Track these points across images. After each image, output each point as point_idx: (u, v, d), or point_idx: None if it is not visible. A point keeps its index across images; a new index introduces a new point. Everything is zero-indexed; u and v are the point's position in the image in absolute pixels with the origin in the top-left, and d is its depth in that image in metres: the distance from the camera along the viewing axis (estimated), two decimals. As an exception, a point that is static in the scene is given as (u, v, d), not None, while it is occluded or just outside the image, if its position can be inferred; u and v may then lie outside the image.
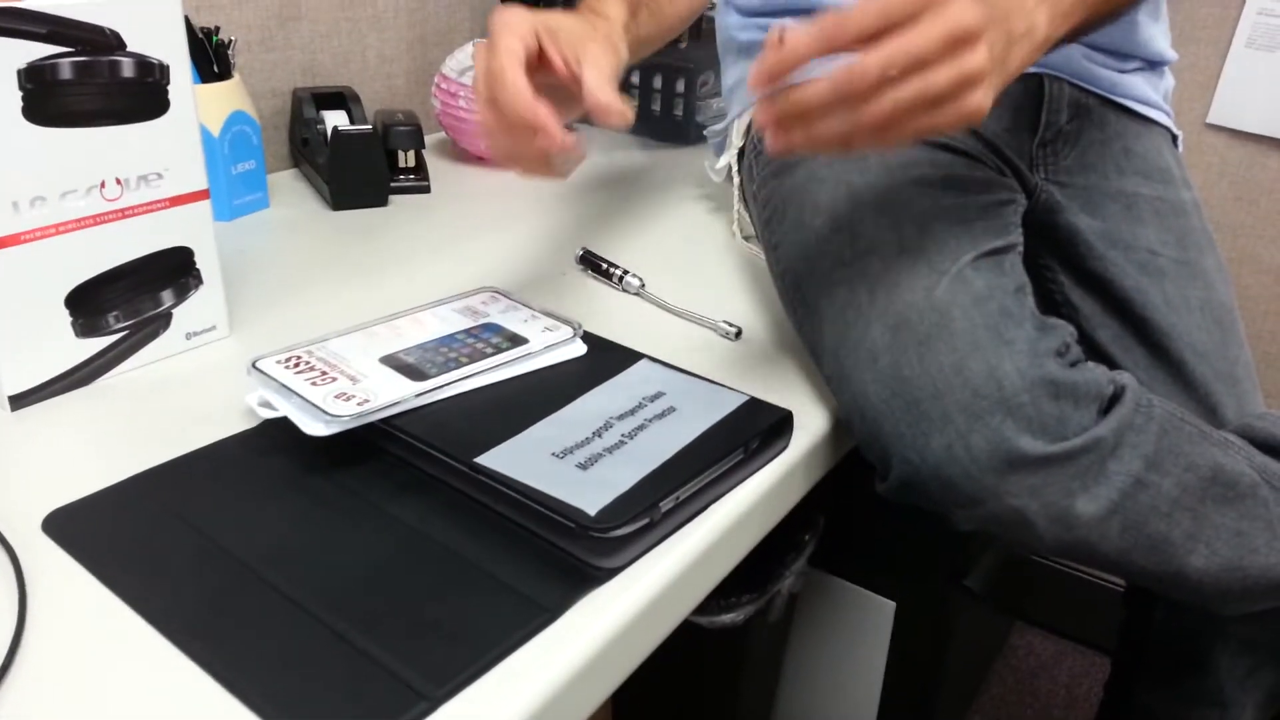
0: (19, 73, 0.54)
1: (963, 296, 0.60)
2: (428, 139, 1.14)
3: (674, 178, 1.09)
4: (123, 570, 0.47)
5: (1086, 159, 0.84)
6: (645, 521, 0.50)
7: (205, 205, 0.65)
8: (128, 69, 0.59)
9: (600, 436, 0.55)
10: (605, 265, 0.82)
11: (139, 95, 0.60)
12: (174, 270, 0.65)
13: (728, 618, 0.98)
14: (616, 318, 0.76)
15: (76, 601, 0.46)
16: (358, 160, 0.93)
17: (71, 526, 0.50)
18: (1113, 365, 0.79)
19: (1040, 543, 0.59)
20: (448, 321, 0.65)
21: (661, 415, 0.57)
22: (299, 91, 1.02)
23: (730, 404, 0.59)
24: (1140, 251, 0.81)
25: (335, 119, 0.96)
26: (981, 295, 0.60)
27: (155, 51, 0.60)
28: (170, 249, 0.64)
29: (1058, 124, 0.83)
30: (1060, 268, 0.83)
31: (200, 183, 0.65)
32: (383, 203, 0.96)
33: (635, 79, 1.22)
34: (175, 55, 0.61)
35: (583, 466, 0.52)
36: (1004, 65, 0.53)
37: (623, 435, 0.55)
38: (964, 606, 1.09)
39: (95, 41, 0.57)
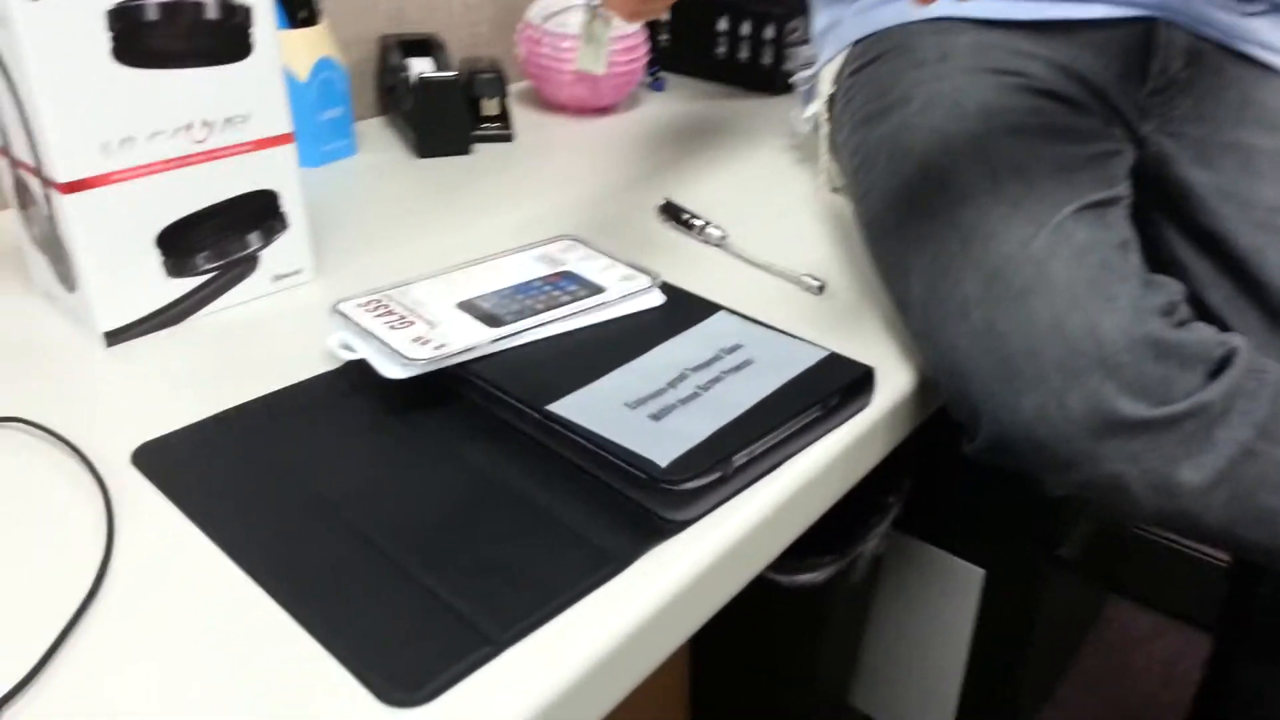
0: (108, 14, 0.55)
1: (1063, 249, 0.57)
2: (513, 88, 1.13)
3: (759, 128, 1.07)
4: (205, 504, 0.48)
5: (1201, 108, 0.78)
6: (717, 475, 0.49)
7: (290, 149, 0.66)
8: (212, 10, 0.59)
9: (675, 387, 0.54)
10: (687, 216, 0.80)
11: (223, 37, 0.60)
12: (260, 213, 0.66)
13: (807, 577, 0.97)
14: (697, 269, 0.75)
15: (161, 533, 0.47)
16: (442, 108, 0.93)
17: (159, 460, 0.51)
18: (1226, 329, 0.75)
19: (1139, 511, 0.56)
20: (525, 268, 0.65)
21: (738, 368, 0.56)
22: (386, 39, 1.02)
23: (809, 359, 0.58)
24: (1258, 208, 0.76)
25: (421, 66, 0.96)
26: (1083, 248, 0.57)
27: (240, -7, 0.60)
28: (256, 192, 0.65)
29: (1170, 71, 0.78)
30: (1169, 224, 0.79)
31: (284, 127, 0.65)
32: (466, 150, 0.95)
33: (723, 24, 1.19)
34: (260, -2, 0.61)
35: (655, 417, 0.51)
36: None
37: (697, 387, 0.54)
38: (1056, 576, 1.05)
39: (182, -17, 0.57)
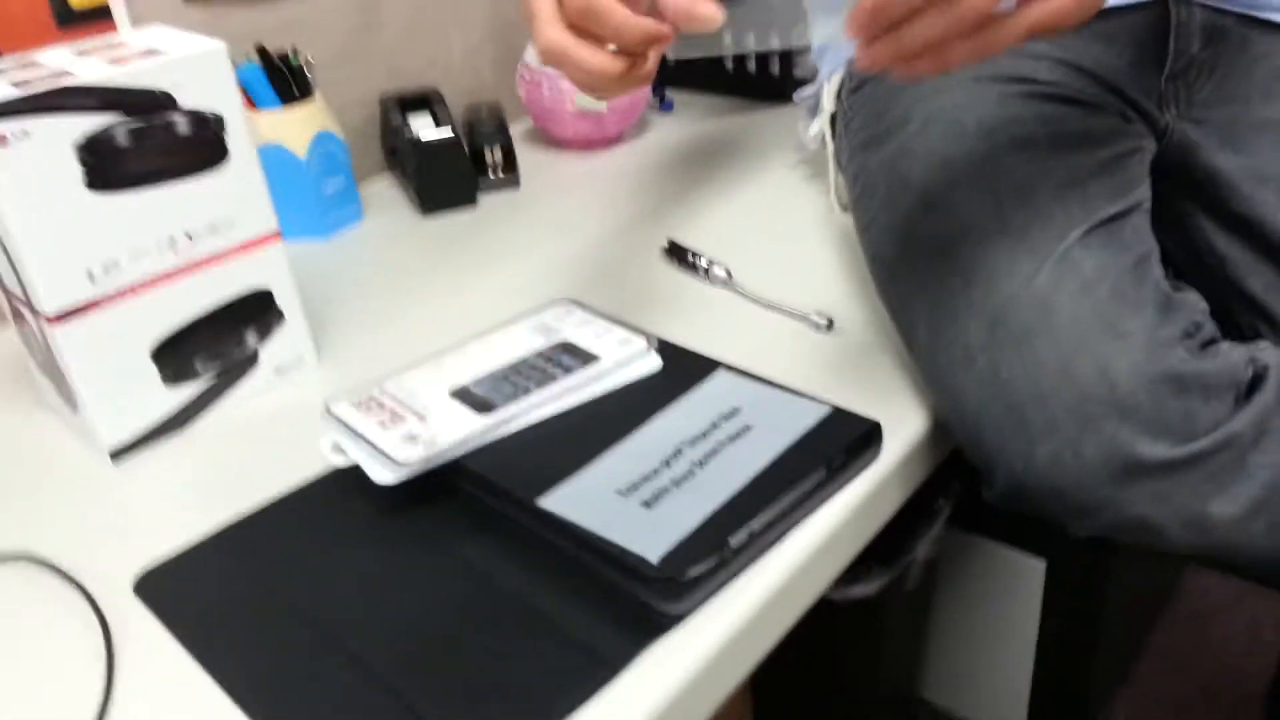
0: (77, 148, 0.55)
1: (1068, 283, 0.54)
2: (519, 127, 1.12)
3: (769, 142, 1.04)
4: (204, 635, 0.48)
5: (1226, 89, 0.74)
6: (714, 562, 0.47)
7: (277, 247, 0.66)
8: (183, 126, 0.59)
9: (669, 466, 0.52)
10: (690, 257, 0.78)
11: (197, 149, 0.60)
12: (255, 312, 0.66)
13: (859, 590, 0.94)
14: (701, 314, 0.73)
15: (160, 670, 0.47)
16: (443, 166, 0.92)
17: (160, 589, 0.51)
18: (1268, 317, 0.70)
19: (1172, 548, 0.53)
20: (519, 343, 0.64)
21: (735, 437, 0.54)
22: (385, 98, 1.02)
23: (811, 417, 0.56)
24: (1295, 187, 0.71)
25: (420, 124, 0.95)
26: (1090, 280, 0.54)
27: (207, 104, 0.60)
28: (249, 294, 0.65)
29: (1189, 53, 0.73)
30: (1201, 213, 0.74)
31: (270, 225, 0.65)
32: (472, 202, 0.95)
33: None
34: (227, 104, 0.61)
35: (648, 504, 0.50)
36: None
37: (693, 464, 0.52)
38: (1120, 559, 1.01)
39: (147, 105, 0.58)
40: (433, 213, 0.94)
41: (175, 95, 0.59)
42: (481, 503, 0.54)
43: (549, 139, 1.10)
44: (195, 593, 0.51)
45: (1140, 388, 0.50)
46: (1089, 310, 0.52)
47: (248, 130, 0.62)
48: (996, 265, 0.56)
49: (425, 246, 0.89)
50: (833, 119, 0.86)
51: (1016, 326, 0.53)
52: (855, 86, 0.79)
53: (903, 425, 0.59)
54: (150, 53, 0.59)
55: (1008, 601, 1.07)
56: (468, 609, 0.48)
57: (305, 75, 0.89)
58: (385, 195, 1.01)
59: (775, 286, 0.74)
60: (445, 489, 0.55)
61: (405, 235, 0.91)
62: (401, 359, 0.70)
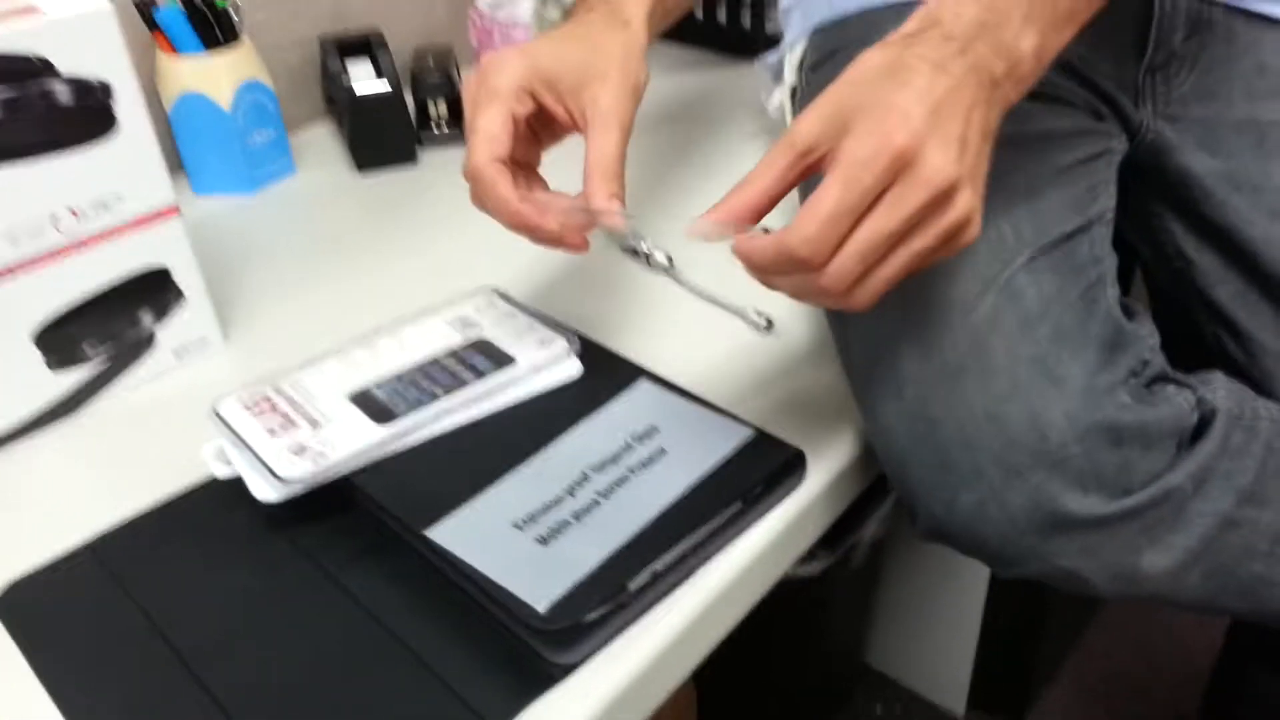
0: (-65, 117, 0.50)
1: (1007, 317, 0.50)
2: (471, 73, 1.06)
3: (732, 102, 0.98)
4: (61, 664, 0.45)
5: (1207, 84, 0.69)
6: (609, 608, 0.44)
7: (175, 222, 0.61)
8: (63, 95, 0.54)
9: (573, 495, 0.49)
10: (632, 239, 0.74)
11: (80, 120, 0.55)
12: (150, 291, 0.61)
13: (803, 570, 0.93)
14: (638, 301, 0.69)
15: (9, 702, 0.44)
16: (380, 123, 0.87)
17: (23, 606, 0.48)
18: (1231, 328, 0.67)
19: (1099, 596, 0.51)
20: (433, 338, 0.60)
21: (648, 462, 0.51)
22: (325, 40, 0.95)
23: (732, 440, 0.52)
24: (1271, 193, 0.67)
25: (359, 73, 0.89)
26: (1032, 315, 0.50)
27: (92, 69, 0.55)
28: (143, 271, 0.61)
29: (1170, 44, 0.68)
30: (1171, 215, 0.70)
31: (166, 199, 0.60)
32: (411, 160, 0.90)
33: (696, -13, 1.09)
34: (116, 70, 0.56)
35: (544, 540, 0.46)
36: (985, 138, 0.45)
37: (597, 493, 0.49)
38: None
39: (21, 72, 0.52)
40: (368, 169, 0.89)
41: (54, 61, 0.53)
42: (374, 521, 0.50)
43: (502, 89, 1.04)
44: (59, 612, 0.48)
45: (1073, 438, 0.46)
46: (1026, 352, 0.48)
47: (141, 95, 0.57)
48: (935, 288, 0.52)
49: (357, 208, 0.84)
50: (794, 92, 0.81)
51: (949, 361, 0.49)
52: (815, 63, 0.74)
53: (831, 447, 0.55)
54: (26, 10, 0.53)
55: (955, 576, 1.06)
56: (342, 647, 0.45)
57: (231, 18, 0.82)
58: (322, 145, 0.95)
59: (718, 277, 0.70)
60: (338, 502, 0.51)
61: (338, 194, 0.86)
62: (316, 340, 0.66)
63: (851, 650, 1.19)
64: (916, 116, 0.41)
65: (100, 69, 0.55)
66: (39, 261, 0.56)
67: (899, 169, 0.41)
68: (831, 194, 0.41)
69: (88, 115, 0.55)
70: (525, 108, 0.53)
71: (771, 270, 0.44)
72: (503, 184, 0.51)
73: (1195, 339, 0.71)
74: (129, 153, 0.57)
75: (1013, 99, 0.47)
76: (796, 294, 0.45)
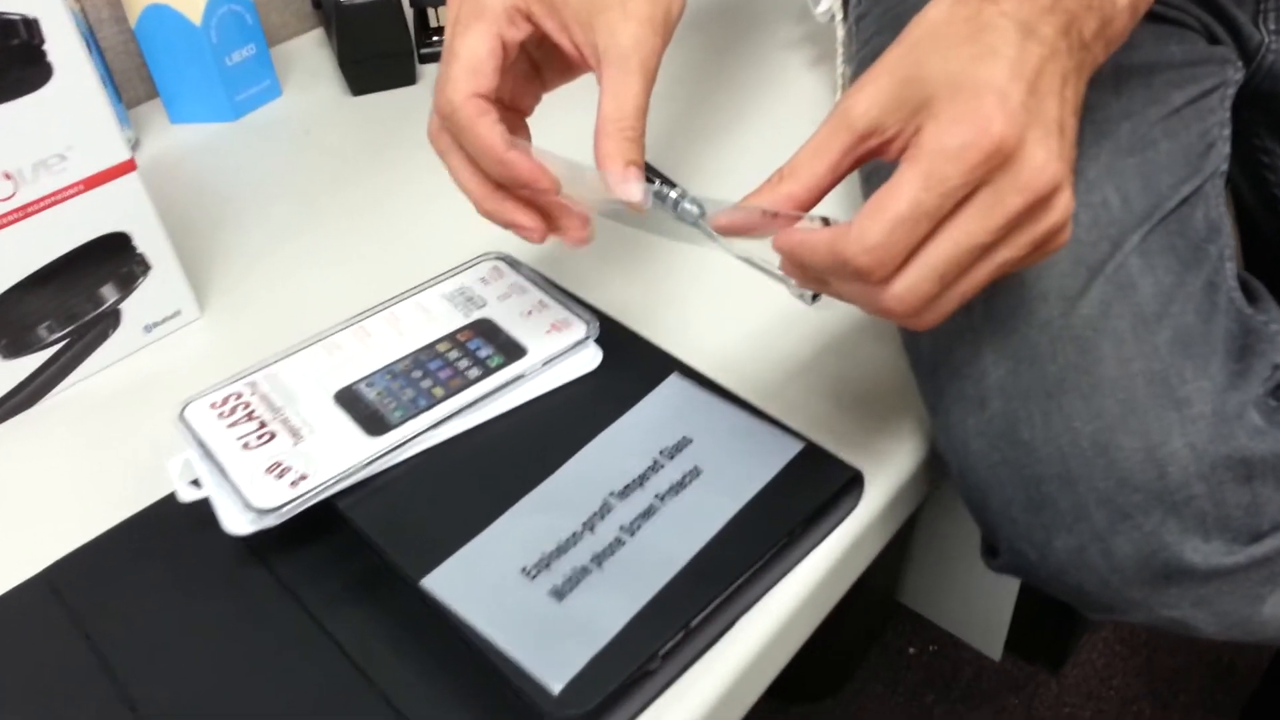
0: None
1: (1119, 315, 0.41)
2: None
3: (770, 10, 0.87)
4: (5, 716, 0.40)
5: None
6: (636, 680, 0.38)
7: (132, 179, 0.53)
8: (-21, 35, 0.45)
9: (592, 531, 0.42)
10: (658, 184, 0.64)
11: (6, 65, 0.46)
12: (111, 260, 0.54)
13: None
14: (664, 260, 0.60)
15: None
16: (374, 36, 0.76)
17: (-29, 649, 0.42)
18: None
19: (1202, 638, 0.44)
20: (434, 317, 0.52)
21: (680, 486, 0.44)
22: (310, -65, 0.84)
23: (778, 457, 0.45)
24: None
25: (348, -26, 0.79)
26: (1149, 313, 0.41)
27: (15, 4, 0.45)
28: (100, 238, 0.53)
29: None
30: (1287, 156, 0.60)
31: (120, 154, 0.52)
32: (410, 80, 0.80)
33: None
34: (47, 5, 0.46)
35: (558, 594, 0.40)
36: (1078, 116, 0.36)
37: (621, 528, 0.42)
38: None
39: (-79, 9, 0.43)
40: (362, 93, 0.79)
41: (-36, -5, 0.44)
42: (362, 548, 0.44)
43: (512, -12, 0.93)
44: (7, 656, 0.42)
45: (1197, 476, 0.38)
46: (1143, 363, 0.40)
47: (77, 31, 0.48)
48: (1029, 272, 0.43)
49: (351, 137, 0.75)
50: (846, -1, 0.70)
51: (1046, 372, 0.41)
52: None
53: (891, 455, 0.48)
54: (-73, -68, 0.44)
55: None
56: (323, 707, 0.39)
57: (198, -84, 0.71)
58: (312, 59, 0.85)
59: (757, 231, 0.61)
60: (322, 523, 0.45)
61: (328, 120, 0.77)
62: (305, 301, 0.59)
63: (884, 587, 1.15)
64: (1014, 98, 0.32)
65: (24, 2, 0.46)
66: (-28, 236, 0.48)
67: (995, 165, 0.32)
68: (907, 193, 0.32)
69: (15, 60, 0.47)
70: (520, 32, 0.43)
71: (822, 275, 0.36)
72: (484, 125, 0.41)
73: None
74: (69, 103, 0.49)
75: (1100, 62, 0.38)
76: (851, 301, 0.37)
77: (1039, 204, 0.33)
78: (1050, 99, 0.34)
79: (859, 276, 0.34)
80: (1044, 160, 0.32)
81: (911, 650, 1.11)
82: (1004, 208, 0.32)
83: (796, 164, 0.36)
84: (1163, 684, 1.04)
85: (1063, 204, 0.34)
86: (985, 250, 0.33)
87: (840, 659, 1.08)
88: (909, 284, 0.33)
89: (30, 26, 0.46)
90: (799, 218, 0.36)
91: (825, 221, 0.38)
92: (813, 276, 0.37)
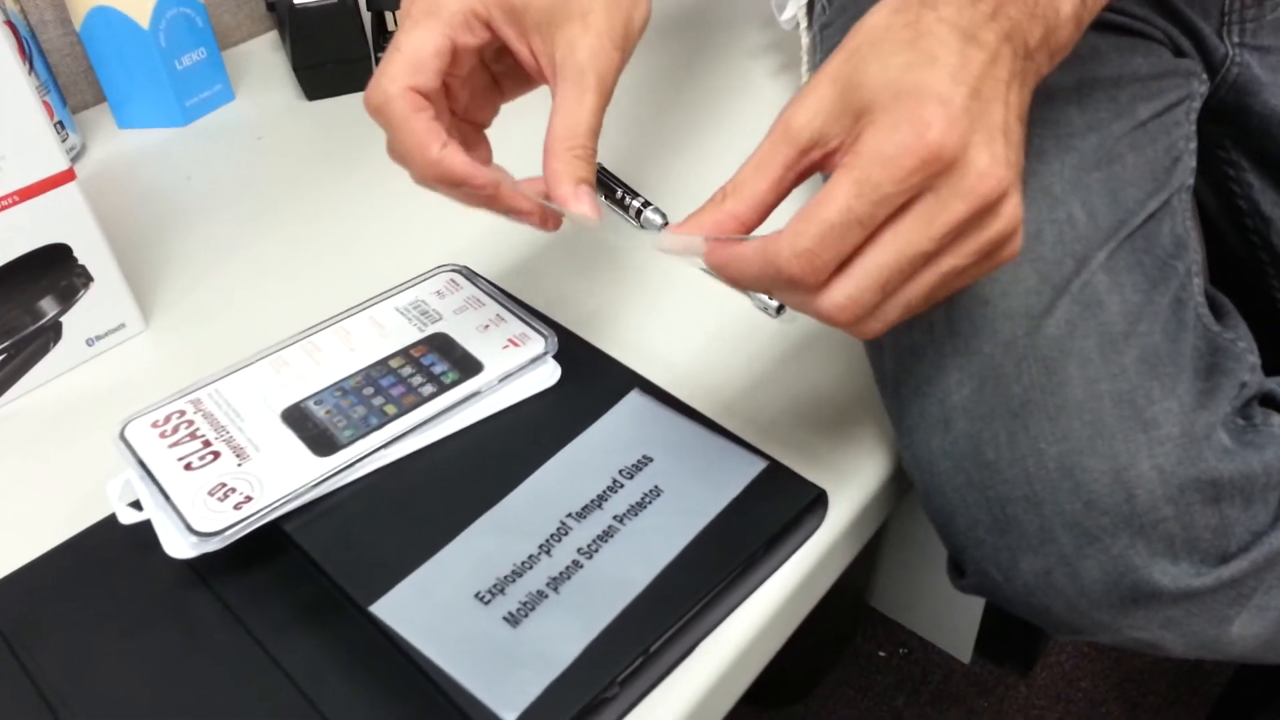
0: None
1: (1086, 334, 0.40)
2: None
3: (737, 13, 0.86)
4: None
5: (1306, 8, 0.58)
6: (592, 707, 0.36)
7: (71, 189, 0.51)
8: (-97, 39, 0.43)
9: (549, 553, 0.41)
10: (620, 193, 0.63)
11: (-70, 71, 0.44)
12: (50, 273, 0.52)
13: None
14: (626, 269, 0.59)
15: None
16: (328, 40, 0.74)
17: (-105, 685, 0.40)
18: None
19: (1169, 657, 0.43)
20: (387, 331, 0.50)
21: (640, 506, 0.42)
22: (264, -65, 0.82)
23: (740, 476, 0.44)
24: (1376, 142, 0.57)
25: (303, -24, 0.77)
26: (1116, 332, 0.40)
27: (-60, 5, 0.43)
28: (39, 250, 0.51)
29: (1269, -50, 0.57)
30: (1250, 165, 0.60)
31: (58, 163, 0.50)
32: (365, 86, 0.78)
33: None
34: (-27, 4, 0.44)
35: (513, 620, 0.38)
36: (1023, 123, 0.35)
37: (579, 550, 0.41)
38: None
39: None
40: (317, 98, 0.77)
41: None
42: (307, 578, 0.42)
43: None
44: (-61, 693, 0.40)
45: (1165, 498, 0.38)
46: (1110, 384, 0.39)
47: (7, 32, 0.46)
48: (993, 288, 0.43)
49: (305, 143, 0.73)
50: (809, 5, 0.69)
51: (1013, 392, 0.40)
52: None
53: (855, 471, 0.47)
54: None
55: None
56: (272, 748, 0.37)
57: (145, -86, 0.69)
58: (266, 62, 0.83)
59: (720, 239, 0.60)
60: (267, 550, 0.43)
61: (282, 126, 0.75)
62: (254, 314, 0.57)
63: (855, 591, 1.14)
64: (956, 104, 0.31)
65: (-46, 7, 0.44)
66: (-101, 250, 0.46)
67: (935, 171, 0.31)
68: (839, 199, 0.31)
69: (-58, 68, 0.45)
70: (475, 39, 0.41)
71: (755, 287, 0.35)
72: (418, 120, 0.39)
73: (1265, 305, 0.63)
74: (2, 110, 0.47)
75: (1044, 73, 0.37)
76: (796, 309, 0.35)
77: (984, 211, 0.32)
78: (994, 104, 0.33)
79: (792, 285, 0.33)
80: (988, 165, 0.31)
81: (882, 654, 1.11)
82: (947, 215, 0.31)
83: (739, 181, 0.35)
84: (1131, 685, 1.04)
85: (1009, 211, 0.32)
86: (928, 258, 0.32)
87: (810, 664, 1.08)
88: (848, 292, 0.32)
89: (-41, 30, 0.44)
90: (741, 241, 0.35)
91: None
92: (751, 288, 0.36)
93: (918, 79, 0.32)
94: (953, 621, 1.09)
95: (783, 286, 0.33)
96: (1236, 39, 0.57)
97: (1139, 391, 0.39)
